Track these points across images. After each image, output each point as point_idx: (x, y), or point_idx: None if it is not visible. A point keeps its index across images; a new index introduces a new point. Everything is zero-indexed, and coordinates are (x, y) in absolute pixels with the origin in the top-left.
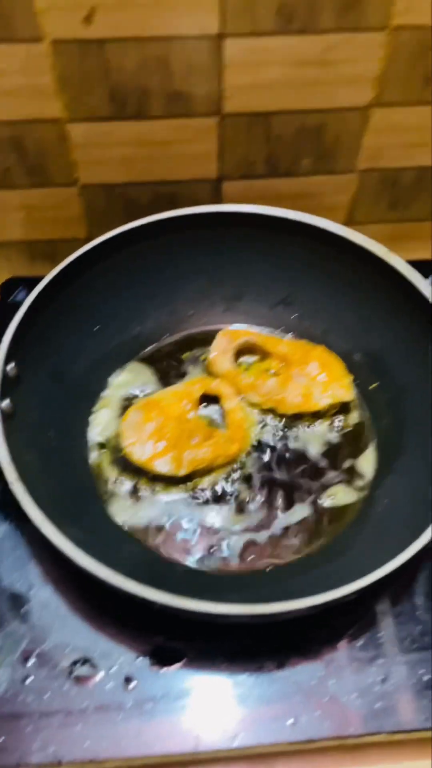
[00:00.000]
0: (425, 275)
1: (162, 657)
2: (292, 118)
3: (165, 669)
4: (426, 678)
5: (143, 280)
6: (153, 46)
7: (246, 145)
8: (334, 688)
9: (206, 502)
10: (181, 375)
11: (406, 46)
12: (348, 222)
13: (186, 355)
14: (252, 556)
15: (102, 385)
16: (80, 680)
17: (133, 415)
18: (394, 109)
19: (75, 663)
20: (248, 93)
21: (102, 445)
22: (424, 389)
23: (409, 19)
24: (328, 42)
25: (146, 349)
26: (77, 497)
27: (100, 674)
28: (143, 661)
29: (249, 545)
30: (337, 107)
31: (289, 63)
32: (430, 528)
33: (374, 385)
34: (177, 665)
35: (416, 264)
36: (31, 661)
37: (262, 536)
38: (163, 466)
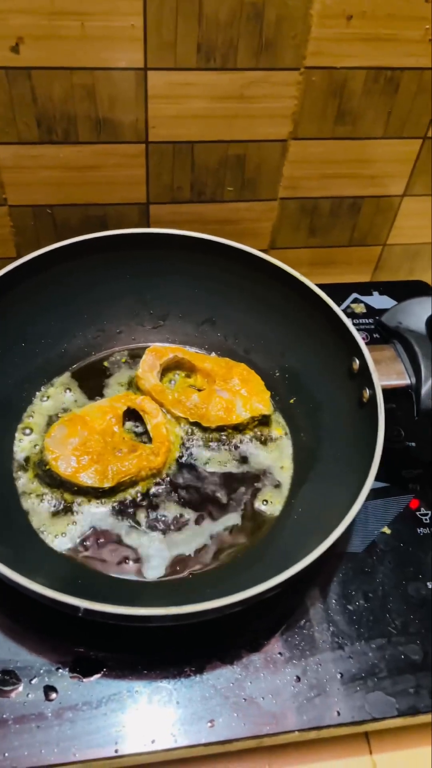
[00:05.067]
0: (343, 298)
1: (83, 667)
2: (215, 148)
3: (86, 679)
4: (338, 676)
5: (71, 299)
6: (79, 76)
7: (172, 172)
8: (250, 690)
9: (131, 514)
10: (109, 390)
11: (318, 86)
12: (270, 247)
13: (112, 371)
14: (175, 566)
15: (28, 400)
16: (2, 692)
17: (57, 429)
18: (310, 143)
19: None
20: (172, 123)
21: (27, 460)
22: (336, 403)
23: (319, 61)
24: (246, 78)
25: (75, 365)
26: (0, 511)
27: (21, 685)
28: (64, 672)
29: (172, 555)
30: (257, 139)
31: (211, 97)
32: (332, 534)
33: (292, 399)
34: (97, 675)
35: (334, 288)
36: None
37: (186, 546)
38: (87, 478)
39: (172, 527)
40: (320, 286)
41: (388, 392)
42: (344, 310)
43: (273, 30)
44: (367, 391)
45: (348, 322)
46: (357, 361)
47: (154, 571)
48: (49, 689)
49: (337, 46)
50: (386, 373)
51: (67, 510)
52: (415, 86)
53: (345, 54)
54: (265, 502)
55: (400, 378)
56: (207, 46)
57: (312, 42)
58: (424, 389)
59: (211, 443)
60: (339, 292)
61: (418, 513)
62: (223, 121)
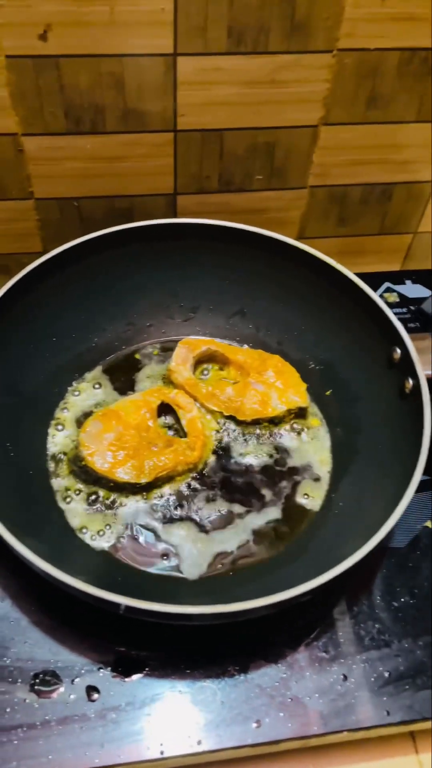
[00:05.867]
0: (375, 287)
1: (124, 667)
2: (244, 135)
3: (128, 678)
4: (386, 675)
5: (100, 292)
6: (107, 64)
7: (200, 161)
8: (296, 690)
9: (169, 509)
10: (141, 385)
11: (351, 69)
12: (299, 236)
13: (144, 364)
14: (216, 562)
15: (60, 396)
16: (42, 693)
17: (92, 425)
18: (341, 128)
19: (37, 676)
20: (201, 110)
21: (61, 456)
22: (374, 394)
23: (352, 42)
24: (277, 63)
25: (105, 360)
26: (37, 509)
27: (63, 686)
28: (106, 672)
29: (212, 551)
30: (287, 125)
31: (241, 82)
32: (381, 530)
33: (329, 391)
34: (139, 674)
35: (365, 277)
36: None
37: (226, 542)
38: (124, 474)
39: (210, 523)
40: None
41: (428, 382)
42: None
43: (305, 11)
44: (410, 381)
45: (387, 309)
46: (398, 351)
47: (195, 567)
48: (91, 689)
49: (371, 27)
50: (428, 362)
51: (104, 506)
52: None
53: (378, 35)
54: (306, 496)
55: None
56: (238, 30)
57: (345, 23)
58: None
59: (246, 437)
60: (370, 281)
61: None
62: (253, 107)
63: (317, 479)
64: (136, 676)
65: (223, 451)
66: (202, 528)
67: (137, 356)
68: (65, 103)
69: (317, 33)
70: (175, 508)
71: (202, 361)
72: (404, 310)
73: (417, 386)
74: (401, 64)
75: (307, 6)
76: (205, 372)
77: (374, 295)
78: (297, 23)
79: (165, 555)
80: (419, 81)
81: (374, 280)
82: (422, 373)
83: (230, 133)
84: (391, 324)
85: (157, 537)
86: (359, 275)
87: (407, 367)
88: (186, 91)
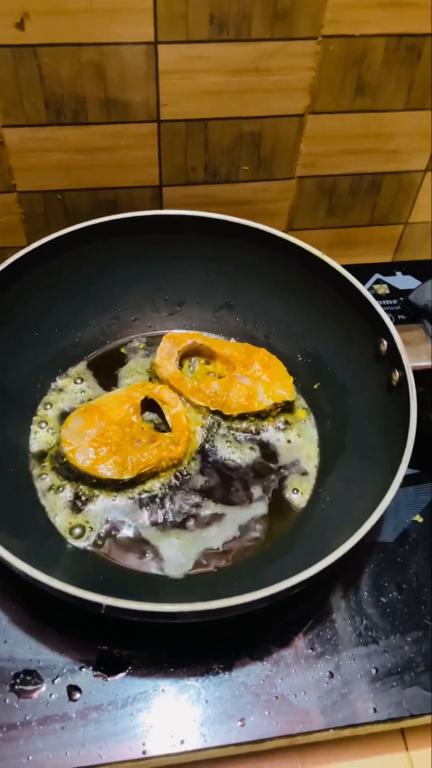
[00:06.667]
0: (365, 279)
1: (107, 666)
2: (230, 125)
3: (110, 678)
4: (373, 671)
5: (84, 286)
6: (87, 53)
7: (185, 152)
8: (281, 687)
9: (153, 506)
10: (126, 380)
11: (337, 56)
12: (288, 228)
13: (129, 359)
14: (201, 559)
15: (43, 392)
16: (23, 693)
17: (74, 421)
18: (328, 117)
19: (17, 675)
20: (185, 100)
21: (43, 453)
22: (363, 387)
23: (337, 29)
24: (261, 50)
25: (90, 354)
26: (19, 507)
27: (44, 686)
28: (88, 671)
29: (198, 548)
30: (273, 114)
31: (224, 71)
32: (365, 524)
33: (316, 385)
34: (122, 674)
35: (355, 268)
36: None
37: (212, 538)
38: (106, 470)
39: (196, 519)
40: (343, 267)
41: (416, 375)
42: None
43: None
44: (397, 373)
45: (374, 301)
46: (385, 343)
47: (180, 565)
48: (72, 689)
49: (356, 13)
50: (416, 354)
51: (87, 503)
52: None
53: (364, 21)
54: (295, 491)
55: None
56: (220, 17)
57: (329, 9)
58: None
59: (233, 431)
60: (360, 273)
61: None
62: (238, 96)
63: (304, 474)
64: (119, 675)
65: (208, 447)
66: (187, 525)
67: (123, 350)
68: (45, 94)
69: (301, 19)
70: (160, 505)
71: (188, 354)
72: (394, 301)
73: (403, 378)
74: (388, 50)
75: None
76: (191, 367)
77: (361, 287)
78: (280, 10)
79: (149, 553)
80: (407, 68)
81: (365, 271)
82: (408, 365)
83: (215, 123)
84: (378, 316)
85: (141, 534)
86: (350, 267)
87: (394, 359)
88: (168, 80)
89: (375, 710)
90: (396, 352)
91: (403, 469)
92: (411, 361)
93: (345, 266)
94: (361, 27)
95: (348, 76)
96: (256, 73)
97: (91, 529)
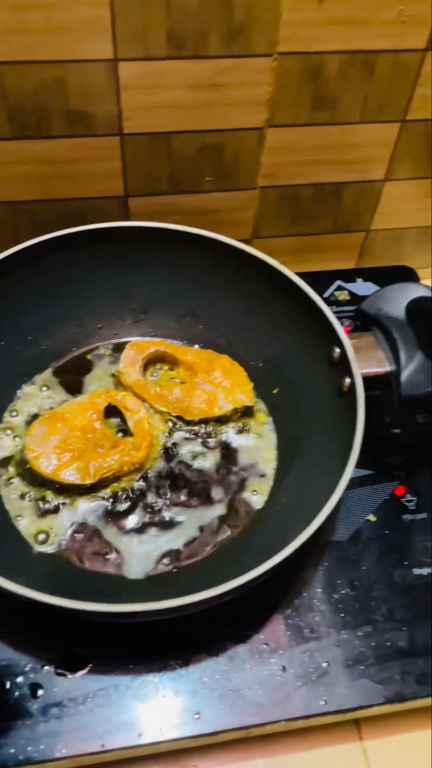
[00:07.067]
0: (327, 285)
1: (69, 664)
2: (192, 138)
3: (71, 675)
4: (324, 665)
5: (50, 295)
6: (49, 69)
7: (149, 163)
8: (236, 682)
9: (116, 509)
10: (91, 386)
11: (293, 72)
12: (254, 236)
13: (95, 366)
14: (162, 560)
15: (9, 399)
16: None
17: (37, 428)
18: (287, 130)
19: None
20: (147, 114)
21: (8, 460)
22: (319, 392)
23: (292, 46)
24: (218, 67)
25: (55, 362)
26: None
27: (6, 684)
28: (50, 669)
29: (159, 549)
30: (233, 128)
31: (184, 86)
32: (311, 525)
33: (276, 390)
34: (83, 671)
35: (319, 275)
36: None
37: (173, 540)
38: (69, 475)
39: (157, 521)
40: (305, 274)
41: (371, 379)
42: (328, 298)
43: (243, 16)
44: (347, 379)
45: (326, 309)
46: (337, 350)
47: (141, 566)
48: (34, 687)
49: (310, 30)
50: (366, 360)
51: (51, 508)
52: (390, 69)
53: (318, 38)
54: (254, 492)
55: (380, 365)
56: (177, 35)
57: (284, 27)
58: (404, 376)
59: (194, 436)
60: (323, 279)
61: (403, 500)
62: (198, 110)
63: (263, 476)
64: (79, 673)
65: (170, 451)
66: (149, 527)
67: (89, 357)
68: (9, 108)
69: (256, 37)
70: (123, 509)
71: (152, 361)
72: (354, 308)
73: (353, 384)
74: (343, 65)
75: (245, 11)
76: (155, 373)
77: (313, 295)
78: (235, 28)
79: (111, 555)
80: (362, 81)
81: (327, 278)
82: (358, 372)
83: (177, 136)
84: (330, 324)
85: (104, 537)
86: (314, 273)
87: (345, 366)
88: (130, 95)
89: (326, 702)
90: (346, 360)
91: (349, 472)
92: (361, 367)
93: (310, 273)
94: (315, 44)
95: (305, 91)
96: (215, 88)
97: (56, 533)
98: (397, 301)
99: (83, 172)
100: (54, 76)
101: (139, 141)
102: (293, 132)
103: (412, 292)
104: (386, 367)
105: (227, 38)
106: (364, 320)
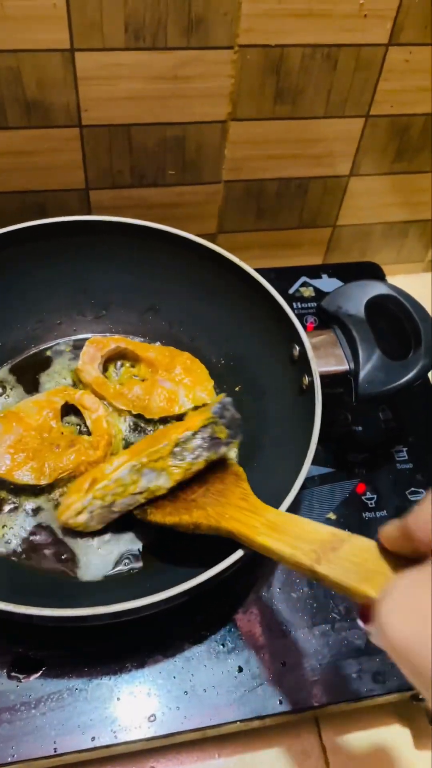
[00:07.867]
0: (293, 281)
1: (21, 667)
2: (153, 130)
3: (24, 679)
4: (280, 664)
5: (7, 289)
6: (3, 58)
7: (110, 156)
8: (192, 683)
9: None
10: (50, 384)
11: (255, 64)
12: (219, 231)
13: (55, 363)
14: (118, 562)
15: None
16: None
17: None
18: (250, 123)
19: None
20: (106, 105)
21: None
22: (280, 390)
23: (253, 38)
24: (178, 58)
25: (12, 360)
26: None
27: None
28: (2, 673)
29: (117, 550)
30: (195, 120)
31: (143, 78)
32: None
33: (238, 387)
34: (36, 674)
35: (285, 270)
36: None
37: (130, 541)
38: (23, 476)
39: (115, 522)
40: (271, 270)
41: (332, 377)
42: (293, 294)
43: (202, 7)
44: (307, 377)
45: (287, 307)
46: (297, 348)
47: (98, 568)
48: None
49: (271, 23)
50: (325, 359)
51: (5, 509)
52: (353, 63)
53: (279, 31)
54: None
55: (339, 364)
56: (135, 26)
57: (244, 19)
58: (362, 375)
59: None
60: (289, 275)
61: (364, 497)
62: (159, 102)
63: None
64: (33, 676)
65: None
66: (106, 528)
67: (48, 353)
68: None
69: (216, 29)
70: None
71: (112, 358)
72: (317, 304)
73: (312, 383)
74: (305, 58)
75: (203, 2)
76: (116, 371)
77: (274, 292)
78: (194, 19)
79: (67, 557)
80: (325, 75)
81: (293, 274)
82: (316, 370)
83: (138, 128)
84: (291, 321)
85: (60, 539)
86: (280, 269)
87: (304, 364)
88: (88, 87)
89: (281, 702)
90: (306, 358)
91: (305, 470)
92: (320, 365)
93: (275, 269)
94: (276, 37)
95: (267, 84)
96: (175, 80)
97: (9, 534)
98: (356, 298)
99: (42, 163)
100: (8, 65)
101: (99, 133)
102: (257, 125)
103: (371, 289)
104: (345, 366)
105: (186, 30)
106: (324, 318)
